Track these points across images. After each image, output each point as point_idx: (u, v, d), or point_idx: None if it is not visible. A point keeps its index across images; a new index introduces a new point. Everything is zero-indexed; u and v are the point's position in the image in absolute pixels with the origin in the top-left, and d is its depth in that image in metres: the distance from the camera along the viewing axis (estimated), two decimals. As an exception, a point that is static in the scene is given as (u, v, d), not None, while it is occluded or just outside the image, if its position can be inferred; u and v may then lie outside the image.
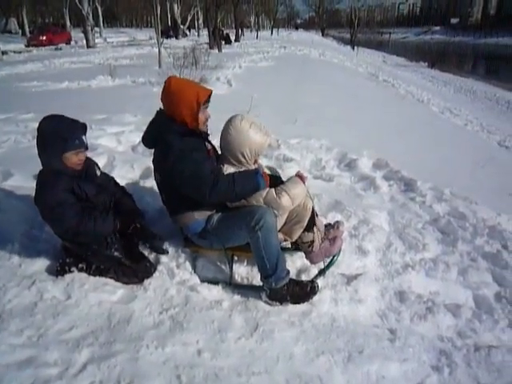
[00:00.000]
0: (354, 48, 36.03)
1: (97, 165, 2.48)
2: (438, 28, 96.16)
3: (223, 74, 10.78)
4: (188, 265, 2.49)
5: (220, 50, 20.25)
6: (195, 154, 2.12)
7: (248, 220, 2.11)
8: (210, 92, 2.22)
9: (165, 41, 18.31)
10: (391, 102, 10.85)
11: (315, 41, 40.83)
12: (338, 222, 2.68)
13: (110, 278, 2.40)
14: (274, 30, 58.12)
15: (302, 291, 2.26)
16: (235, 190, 2.12)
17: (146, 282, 2.37)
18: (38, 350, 1.91)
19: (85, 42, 25.74)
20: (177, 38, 33.49)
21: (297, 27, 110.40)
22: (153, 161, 2.30)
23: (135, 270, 2.38)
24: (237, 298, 2.34)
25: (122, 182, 2.76)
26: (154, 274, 2.42)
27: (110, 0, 49.65)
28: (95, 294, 2.27)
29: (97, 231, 2.23)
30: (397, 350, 2.10)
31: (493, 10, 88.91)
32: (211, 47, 20.22)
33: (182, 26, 37.17)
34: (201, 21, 45.68)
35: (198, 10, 41.05)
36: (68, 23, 39.14)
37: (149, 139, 2.31)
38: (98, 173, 2.44)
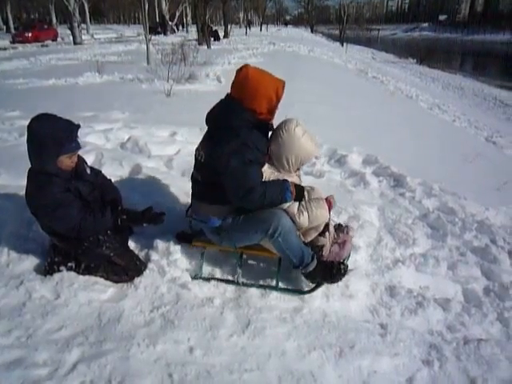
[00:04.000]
0: (343, 44, 36.11)
1: (85, 162, 2.45)
2: (426, 25, 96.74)
3: (212, 71, 10.71)
4: (179, 262, 2.47)
5: (209, 46, 20.13)
6: (254, 153, 2.08)
7: (265, 227, 2.13)
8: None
9: (153, 37, 18.13)
10: (380, 98, 10.91)
11: (304, 37, 40.80)
12: (347, 226, 2.67)
13: (100, 276, 2.37)
14: (263, 27, 57.97)
15: (330, 272, 2.29)
16: (263, 202, 2.12)
17: (137, 280, 2.35)
18: (26, 350, 1.88)
19: (71, 38, 25.36)
20: (165, 34, 33.20)
21: (286, 23, 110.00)
22: (205, 138, 2.22)
23: (125, 269, 2.36)
24: (228, 295, 2.34)
25: (110, 180, 2.73)
26: (144, 272, 2.40)
27: (97, -4, 48.99)
28: (85, 293, 2.24)
29: (97, 225, 2.23)
30: (388, 344, 2.11)
31: (480, 8, 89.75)
32: (200, 43, 20.10)
33: (170, 23, 36.85)
34: (189, 17, 45.40)
35: (186, 6, 40.75)
36: (54, 19, 38.57)
37: (214, 118, 2.20)
38: (88, 170, 2.41)
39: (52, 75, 10.20)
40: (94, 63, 11.15)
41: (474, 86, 17.78)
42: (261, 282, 2.41)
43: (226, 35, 30.38)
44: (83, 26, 31.73)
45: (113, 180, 2.66)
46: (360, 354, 2.00)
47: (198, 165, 2.23)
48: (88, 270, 2.37)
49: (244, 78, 2.09)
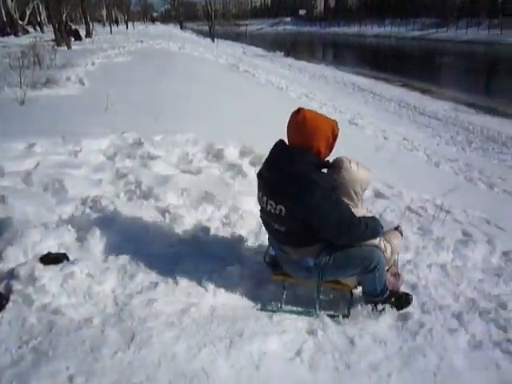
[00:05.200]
0: (213, 40, 36.49)
1: None
2: (289, 19, 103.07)
3: (74, 73, 9.87)
4: (48, 287, 2.22)
5: (69, 46, 18.51)
6: (334, 191, 2.12)
7: (366, 263, 2.22)
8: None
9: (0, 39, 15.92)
10: (253, 90, 11.33)
11: (174, 34, 40.23)
12: (395, 259, 2.68)
13: (-52, 321, 2.01)
14: (130, 24, 55.51)
15: (399, 301, 2.42)
16: (365, 236, 2.21)
17: (-2, 316, 2.06)
18: None
19: None
20: (16, 35, 29.54)
21: (153, 21, 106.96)
22: (271, 190, 2.16)
23: (-19, 306, 2.04)
24: (109, 310, 2.18)
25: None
26: (6, 306, 2.11)
27: None
28: None
29: None
30: (275, 324, 2.20)
31: (332, 3, 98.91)
32: (58, 44, 18.38)
33: (20, 22, 32.92)
34: (44, 16, 41.17)
35: (37, 3, 36.79)
36: None
37: (277, 168, 2.13)
38: None
39: None
40: None
41: (336, 74, 19.56)
42: (332, 312, 2.40)
43: (88, 34, 28.25)
44: None
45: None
46: (249, 340, 2.05)
47: (278, 218, 2.16)
48: None
49: (302, 122, 2.08)
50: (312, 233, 2.16)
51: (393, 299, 2.41)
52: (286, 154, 2.12)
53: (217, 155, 4.41)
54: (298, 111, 2.12)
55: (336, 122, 2.20)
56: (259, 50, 32.32)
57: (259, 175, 2.29)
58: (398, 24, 58.10)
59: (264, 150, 4.59)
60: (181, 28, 63.33)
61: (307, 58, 26.97)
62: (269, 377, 1.90)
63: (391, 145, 8.18)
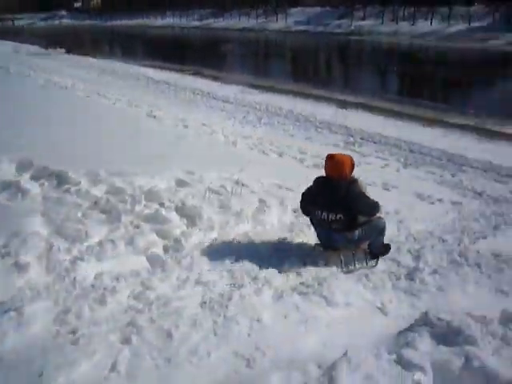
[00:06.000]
0: (-32, 39, 30.44)
1: None
2: (64, 12, 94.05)
3: None
4: None
5: None
6: (365, 194, 3.32)
7: (380, 229, 3.38)
8: None
9: None
10: (31, 94, 9.99)
11: None
12: None
13: None
14: None
15: (385, 249, 3.47)
16: (379, 210, 3.40)
17: None
18: None
19: None
20: None
21: None
22: (334, 209, 3.17)
23: None
24: None
25: None
26: None
27: None
28: None
29: None
30: (82, 348, 2.02)
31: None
32: None
33: None
34: None
35: None
36: None
37: (329, 196, 3.18)
38: None
39: None
40: None
41: (126, 68, 18.88)
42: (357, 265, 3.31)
43: None
44: None
45: None
46: (52, 377, 1.82)
47: (339, 221, 3.21)
48: None
49: (336, 162, 3.21)
50: (356, 221, 3.27)
51: (383, 249, 3.51)
52: (332, 184, 3.20)
53: (-15, 175, 3.70)
54: (333, 156, 3.25)
55: (351, 157, 3.36)
56: (35, 48, 28.47)
57: (308, 201, 3.35)
58: (179, 15, 59.59)
59: (48, 160, 4.14)
60: None
61: (92, 53, 25.16)
62: (81, 408, 1.73)
63: (191, 132, 8.41)
